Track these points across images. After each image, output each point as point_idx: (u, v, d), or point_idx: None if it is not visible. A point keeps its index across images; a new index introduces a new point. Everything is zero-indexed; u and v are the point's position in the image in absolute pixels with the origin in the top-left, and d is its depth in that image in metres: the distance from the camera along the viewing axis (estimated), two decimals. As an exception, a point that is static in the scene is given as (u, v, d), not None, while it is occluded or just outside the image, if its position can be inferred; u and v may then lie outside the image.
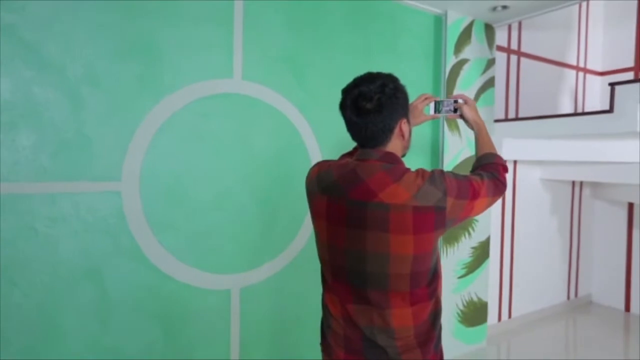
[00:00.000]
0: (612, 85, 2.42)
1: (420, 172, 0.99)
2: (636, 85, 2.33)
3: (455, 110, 1.32)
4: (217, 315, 2.08)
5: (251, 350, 2.18)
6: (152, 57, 1.88)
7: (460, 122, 2.84)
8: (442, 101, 1.34)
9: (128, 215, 1.85)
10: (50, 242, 1.70)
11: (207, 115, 2.02)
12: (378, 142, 1.05)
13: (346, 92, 1.06)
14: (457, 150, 2.84)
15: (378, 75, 1.04)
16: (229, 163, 2.09)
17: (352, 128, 1.07)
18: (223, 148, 2.07)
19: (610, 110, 2.42)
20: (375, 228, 0.96)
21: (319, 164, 1.15)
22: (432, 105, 1.34)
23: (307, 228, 2.33)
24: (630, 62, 3.94)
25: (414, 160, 2.72)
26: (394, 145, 1.06)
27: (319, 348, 2.35)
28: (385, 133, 1.04)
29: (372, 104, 1.01)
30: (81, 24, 1.73)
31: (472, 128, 1.30)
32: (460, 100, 1.32)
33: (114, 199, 1.82)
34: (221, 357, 2.09)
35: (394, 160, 1.03)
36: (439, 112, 1.33)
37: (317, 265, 2.37)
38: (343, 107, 1.07)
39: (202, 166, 2.02)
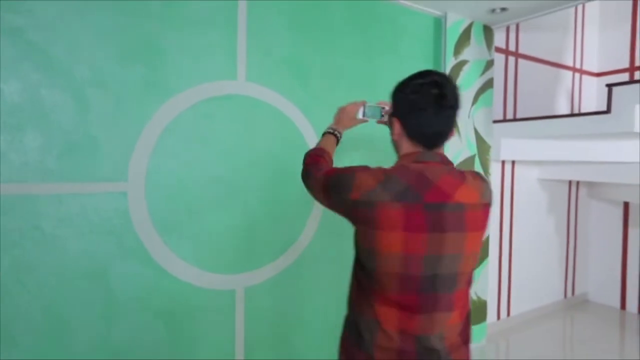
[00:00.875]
0: (610, 86, 2.46)
1: (470, 171, 1.05)
2: (633, 86, 2.37)
3: (382, 116, 1.41)
4: (221, 314, 2.10)
5: (256, 349, 2.19)
6: (157, 59, 1.90)
7: (461, 123, 2.87)
8: (369, 106, 1.41)
9: (134, 215, 1.86)
10: (57, 242, 1.71)
11: (211, 116, 2.04)
12: (442, 143, 1.05)
13: (428, 90, 1.00)
14: (457, 150, 2.87)
15: (450, 77, 1.05)
16: (233, 164, 2.10)
17: (425, 127, 1.03)
18: (227, 149, 2.08)
19: (608, 111, 2.46)
20: (453, 229, 0.96)
21: (365, 172, 1.01)
22: (361, 109, 1.42)
23: (310, 228, 2.35)
24: (625, 63, 4.00)
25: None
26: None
27: (323, 347, 2.38)
28: (449, 135, 1.05)
29: (453, 105, 1.02)
30: (87, 27, 1.74)
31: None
32: (386, 108, 1.40)
33: (120, 199, 1.83)
34: (226, 356, 2.11)
35: (449, 162, 1.05)
36: (365, 116, 1.41)
37: (321, 265, 2.42)
38: (422, 105, 1.00)
39: (206, 167, 2.03)
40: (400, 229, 0.95)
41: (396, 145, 1.11)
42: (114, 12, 1.79)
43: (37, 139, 1.67)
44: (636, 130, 2.36)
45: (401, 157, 1.08)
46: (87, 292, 1.77)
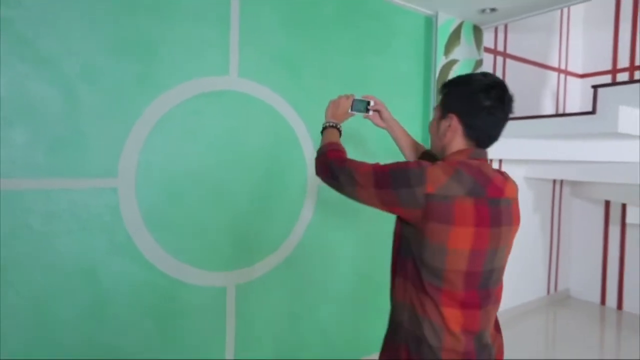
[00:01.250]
0: (595, 87, 2.52)
1: (500, 170, 1.10)
2: (618, 88, 2.43)
3: (367, 111, 1.43)
4: (212, 312, 2.09)
5: (247, 346, 2.19)
6: (148, 53, 1.87)
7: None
8: (358, 100, 1.42)
9: (124, 212, 1.84)
10: (46, 239, 1.67)
11: (203, 112, 2.02)
12: (492, 144, 1.09)
13: (499, 94, 1.02)
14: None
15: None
16: (224, 160, 2.09)
17: (490, 130, 1.04)
18: (219, 145, 2.07)
19: (593, 111, 2.52)
20: (506, 223, 1.01)
21: (432, 166, 0.98)
22: (350, 103, 1.42)
23: (301, 225, 2.35)
24: (608, 65, 4.09)
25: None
26: None
27: (314, 344, 2.39)
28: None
29: (512, 111, 1.07)
30: (77, 20, 1.70)
31: (386, 128, 1.46)
32: (372, 102, 1.43)
33: (110, 195, 1.80)
34: (216, 353, 2.10)
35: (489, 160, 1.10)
36: (353, 109, 1.41)
37: (312, 261, 2.42)
38: (492, 108, 1.01)
39: (197, 163, 2.01)
40: (471, 225, 0.95)
41: (441, 140, 1.08)
42: (105, 5, 1.76)
43: (25, 133, 1.63)
44: (620, 130, 2.43)
45: (454, 153, 1.05)
46: (76, 289, 1.74)
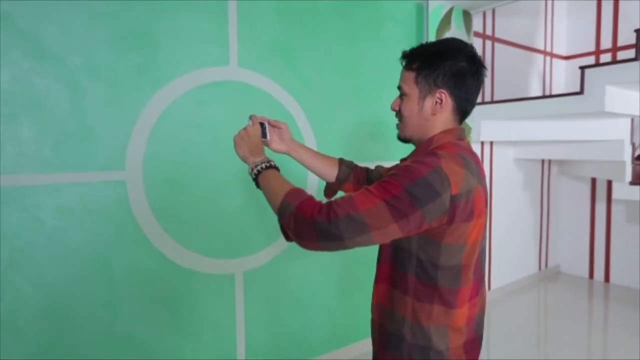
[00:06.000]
0: (583, 68, 2.61)
1: None
2: (604, 68, 2.52)
3: (265, 135, 1.14)
4: (222, 299, 2.13)
5: (256, 332, 2.25)
6: (150, 45, 1.88)
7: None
8: (261, 124, 1.14)
9: (133, 204, 1.86)
10: (57, 233, 1.69)
11: (206, 102, 2.04)
12: None
13: (477, 55, 0.93)
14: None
15: None
16: (227, 149, 2.10)
17: (472, 98, 0.96)
18: (222, 134, 2.09)
19: (581, 92, 2.61)
20: (487, 204, 0.95)
21: (444, 160, 0.84)
22: (259, 130, 1.13)
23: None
24: (591, 47, 4.20)
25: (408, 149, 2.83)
26: None
27: (324, 326, 2.45)
28: None
29: None
30: (79, 13, 1.71)
31: (287, 152, 1.19)
32: (265, 124, 1.14)
33: (118, 188, 1.82)
34: (227, 339, 2.16)
35: None
36: (263, 136, 1.14)
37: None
38: (478, 69, 0.93)
39: (202, 153, 2.04)
40: (483, 214, 0.89)
41: (426, 120, 0.94)
42: (105, -2, 1.76)
43: (32, 128, 1.63)
44: (606, 109, 2.52)
45: (441, 133, 0.93)
46: (89, 281, 1.77)
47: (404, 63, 0.98)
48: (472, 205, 0.85)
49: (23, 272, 1.63)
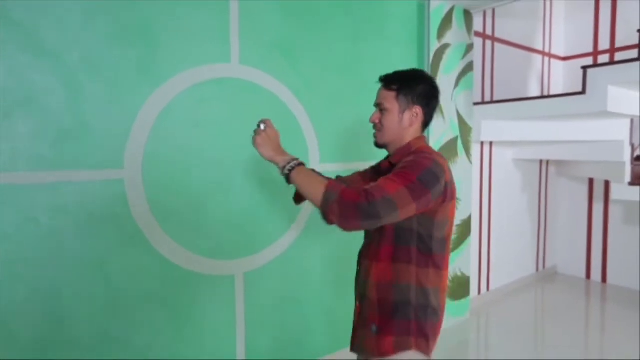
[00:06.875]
0: (585, 68, 2.60)
1: None
2: (606, 68, 2.52)
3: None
4: (222, 300, 2.09)
5: (257, 333, 2.21)
6: (149, 42, 1.83)
7: (445, 106, 2.95)
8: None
9: (132, 203, 1.81)
10: (54, 233, 1.64)
11: (207, 100, 2.00)
12: None
13: (438, 91, 1.26)
14: (441, 132, 2.95)
15: None
16: (228, 148, 2.08)
17: (433, 116, 1.29)
18: (222, 133, 2.05)
19: (583, 92, 2.60)
20: None
21: (432, 155, 1.14)
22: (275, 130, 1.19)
23: (305, 211, 2.37)
24: (589, 48, 4.21)
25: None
26: None
27: (324, 327, 2.43)
28: None
29: None
30: (77, 8, 1.66)
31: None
32: (261, 125, 1.15)
33: (117, 186, 1.77)
34: (227, 341, 2.11)
35: None
36: None
37: (318, 246, 2.44)
38: (437, 96, 1.26)
39: (202, 151, 2.00)
40: (455, 198, 1.19)
41: (404, 129, 1.22)
42: (104, -9, 1.71)
43: (28, 125, 1.58)
44: (609, 109, 2.52)
45: (416, 139, 1.23)
46: (87, 283, 1.72)
47: (382, 84, 1.24)
48: (452, 188, 1.15)
49: (17, 274, 1.58)
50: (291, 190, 1.31)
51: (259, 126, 1.16)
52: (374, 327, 1.18)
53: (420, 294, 1.16)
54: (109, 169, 1.75)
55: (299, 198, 1.42)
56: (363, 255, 1.27)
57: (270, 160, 1.15)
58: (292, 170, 1.10)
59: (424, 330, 1.16)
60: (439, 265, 1.18)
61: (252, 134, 1.16)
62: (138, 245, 1.84)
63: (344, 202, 0.99)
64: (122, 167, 1.78)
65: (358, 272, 1.29)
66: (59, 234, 1.65)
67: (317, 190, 1.04)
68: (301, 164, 1.11)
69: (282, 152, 1.15)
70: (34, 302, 1.61)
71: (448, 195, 1.12)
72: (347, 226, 1.01)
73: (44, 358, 1.63)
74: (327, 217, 1.02)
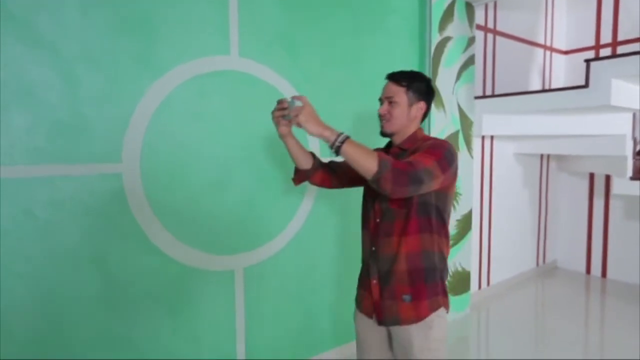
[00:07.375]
0: (588, 61, 2.57)
1: None
2: (610, 61, 2.49)
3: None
4: (221, 295, 2.07)
5: (256, 329, 2.19)
6: (148, 34, 1.80)
7: (446, 100, 2.92)
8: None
9: (130, 198, 1.79)
10: (51, 228, 1.62)
11: (206, 93, 1.97)
12: None
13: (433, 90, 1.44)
14: (443, 126, 2.93)
15: None
16: (227, 141, 2.05)
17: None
18: (222, 126, 2.03)
19: (586, 85, 2.57)
20: None
21: (448, 141, 1.45)
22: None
23: (305, 206, 2.35)
24: (591, 41, 4.18)
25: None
26: None
27: (325, 323, 2.42)
28: None
29: None
30: (74, 0, 1.62)
31: (287, 136, 1.44)
32: (297, 102, 1.17)
33: (114, 181, 1.75)
34: (227, 336, 2.10)
35: None
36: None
37: (318, 241, 2.42)
38: (434, 97, 1.45)
39: (201, 145, 1.97)
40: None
41: (411, 121, 1.37)
42: (100, -19, 1.68)
43: (25, 118, 1.56)
44: (612, 103, 2.49)
45: (419, 129, 1.42)
46: (85, 279, 1.70)
47: (391, 80, 1.38)
48: (458, 167, 1.36)
49: (13, 270, 1.55)
50: (289, 173, 1.39)
51: (292, 104, 1.18)
52: (406, 297, 1.31)
53: (441, 259, 1.36)
54: (106, 162, 1.73)
55: (299, 179, 1.53)
56: (384, 233, 1.35)
57: (319, 135, 1.19)
58: (342, 142, 1.17)
59: (445, 289, 1.39)
60: (447, 234, 1.40)
61: (287, 112, 1.24)
62: (136, 240, 1.81)
63: (397, 170, 1.14)
64: (120, 161, 1.76)
65: (374, 252, 1.38)
66: (56, 228, 1.63)
67: (370, 161, 1.14)
68: (348, 137, 1.18)
69: (327, 126, 1.20)
70: (30, 299, 1.59)
71: (458, 172, 1.35)
72: (398, 190, 1.15)
73: (40, 354, 1.61)
74: (381, 184, 1.14)
